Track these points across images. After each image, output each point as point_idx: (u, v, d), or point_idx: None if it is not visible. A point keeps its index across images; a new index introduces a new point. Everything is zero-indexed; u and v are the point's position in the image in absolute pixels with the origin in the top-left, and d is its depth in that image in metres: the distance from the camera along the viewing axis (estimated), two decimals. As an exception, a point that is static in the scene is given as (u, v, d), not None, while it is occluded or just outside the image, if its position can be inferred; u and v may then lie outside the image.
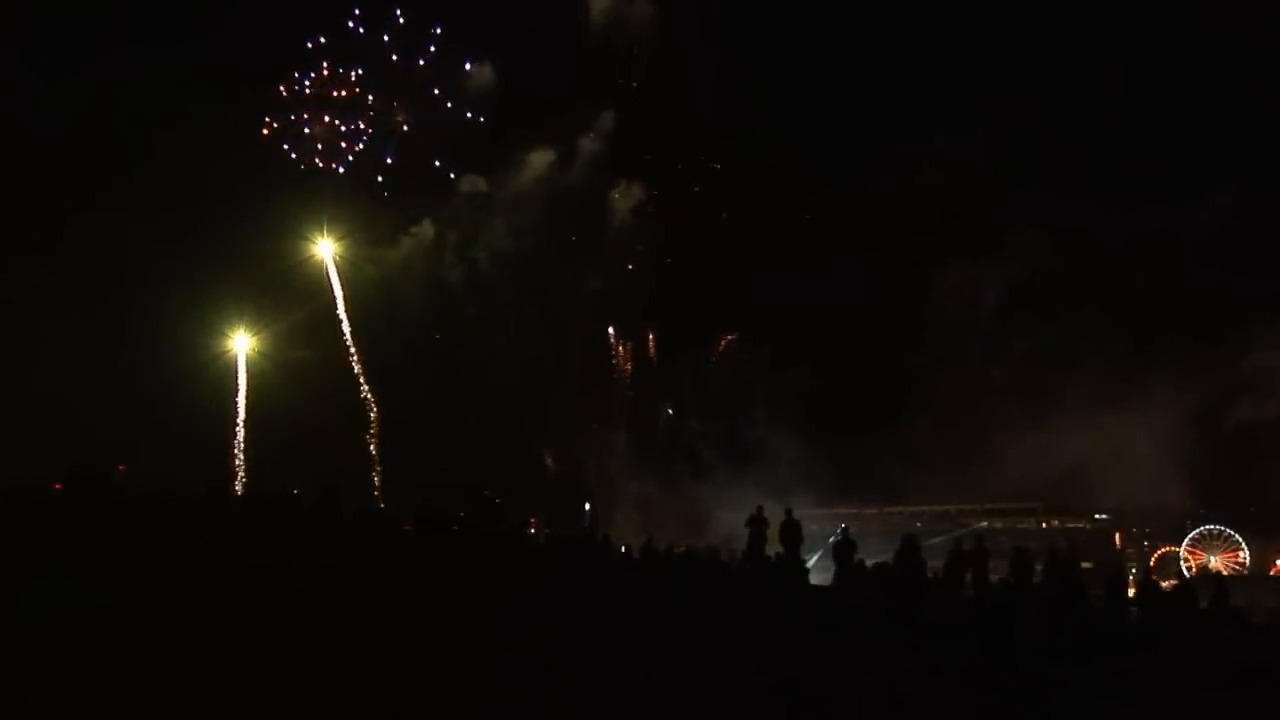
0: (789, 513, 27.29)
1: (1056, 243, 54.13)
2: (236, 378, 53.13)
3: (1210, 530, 57.56)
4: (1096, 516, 60.25)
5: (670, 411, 60.73)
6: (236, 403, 52.93)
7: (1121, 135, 55.47)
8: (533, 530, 51.99)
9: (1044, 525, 59.62)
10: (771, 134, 55.77)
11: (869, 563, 26.51)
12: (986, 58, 56.26)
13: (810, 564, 33.53)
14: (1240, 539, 57.21)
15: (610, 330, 60.26)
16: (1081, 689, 16.32)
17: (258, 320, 52.96)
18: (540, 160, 56.19)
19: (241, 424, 52.82)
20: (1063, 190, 54.97)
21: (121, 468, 41.74)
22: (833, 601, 23.75)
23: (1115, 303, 54.33)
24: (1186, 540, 57.83)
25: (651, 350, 60.78)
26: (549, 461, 58.86)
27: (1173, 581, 43.96)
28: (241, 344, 53.21)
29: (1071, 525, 59.50)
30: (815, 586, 27.84)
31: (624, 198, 58.47)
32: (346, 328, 54.22)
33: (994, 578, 25.19)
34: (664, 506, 56.17)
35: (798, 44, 55.48)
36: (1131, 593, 25.76)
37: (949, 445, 55.08)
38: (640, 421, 60.29)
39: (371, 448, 53.90)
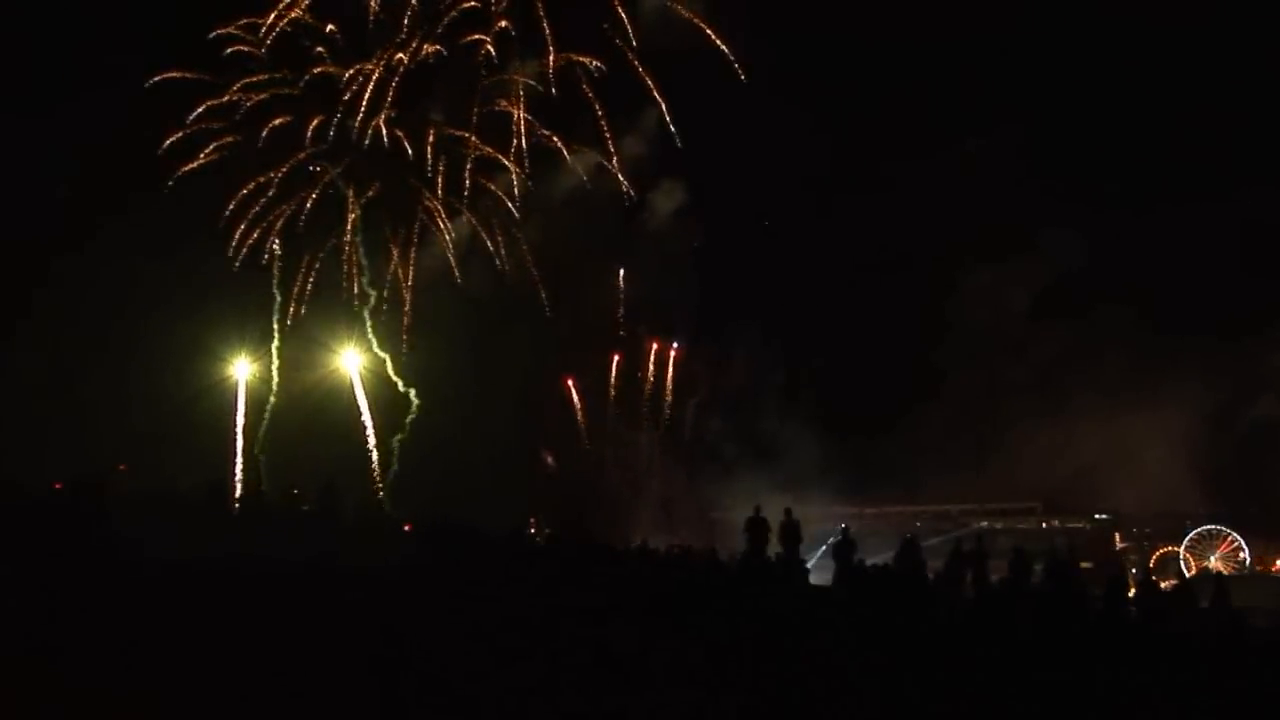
0: (788, 513, 27.23)
1: (1082, 241, 53.90)
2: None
3: (1210, 530, 57.50)
4: (1096, 516, 60.19)
5: (694, 410, 60.59)
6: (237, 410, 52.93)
7: (1148, 134, 55.42)
8: (532, 530, 51.98)
9: (1044, 525, 59.57)
10: (806, 133, 55.50)
11: (869, 562, 26.52)
12: (1016, 59, 56.21)
13: (810, 564, 33.48)
14: (1240, 539, 57.15)
15: (641, 331, 60.17)
16: (1082, 688, 16.32)
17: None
18: (582, 160, 55.97)
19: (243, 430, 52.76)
20: (1090, 190, 55.09)
21: (123, 466, 41.87)
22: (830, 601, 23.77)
23: (1136, 302, 54.23)
24: (1186, 540, 57.77)
25: (675, 350, 60.67)
26: (549, 460, 58.76)
27: (1173, 582, 43.92)
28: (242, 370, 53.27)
29: (1071, 525, 59.43)
30: (815, 586, 27.81)
31: (666, 198, 58.16)
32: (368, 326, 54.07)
33: (994, 578, 25.20)
34: (687, 505, 56.30)
35: (833, 43, 55.28)
36: (1131, 593, 25.72)
37: (963, 444, 55.07)
38: (666, 421, 60.26)
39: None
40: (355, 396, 53.56)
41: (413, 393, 53.31)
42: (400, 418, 53.40)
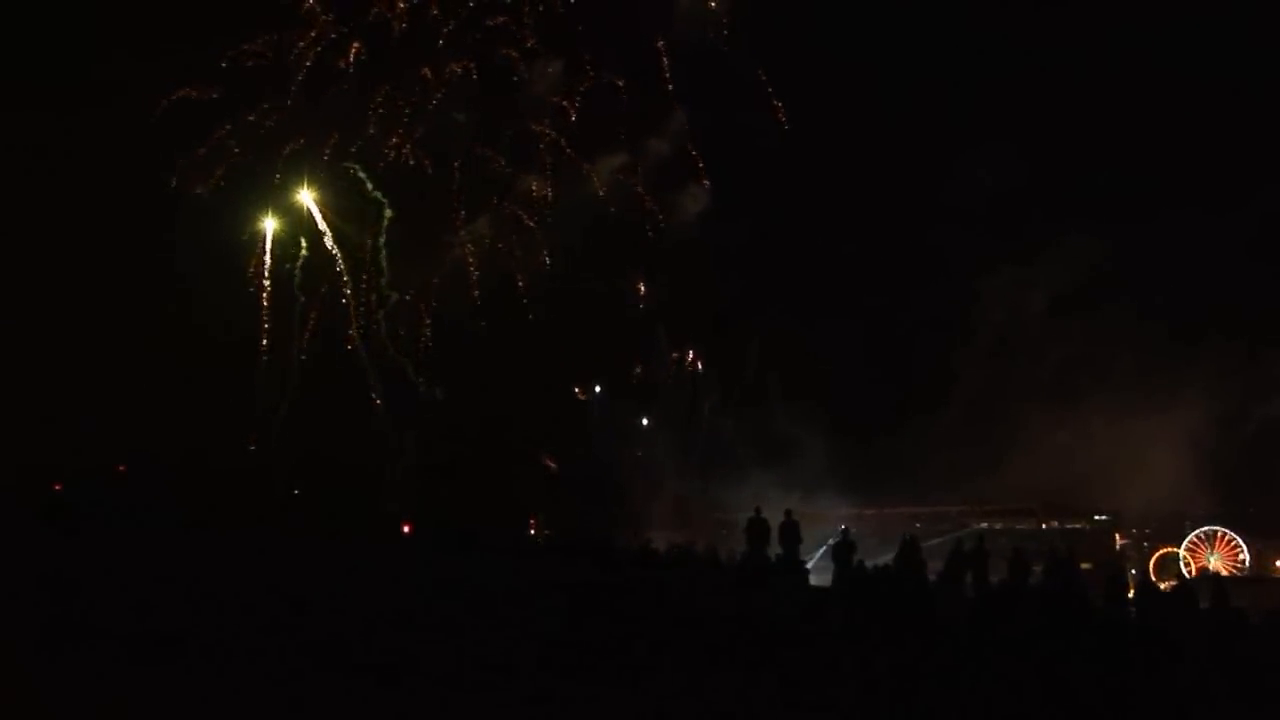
0: (788, 514, 27.28)
1: (1096, 244, 53.67)
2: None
3: (1210, 531, 57.47)
4: (1096, 517, 60.16)
5: (709, 411, 60.60)
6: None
7: (1162, 137, 55.38)
8: (532, 531, 51.99)
9: (1043, 526, 59.53)
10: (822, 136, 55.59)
11: (869, 564, 26.53)
12: (1033, 62, 56.31)
13: (810, 564, 33.50)
14: (1240, 540, 57.13)
15: (660, 332, 60.31)
16: (1081, 689, 16.32)
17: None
18: (610, 164, 56.00)
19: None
20: (1103, 192, 55.13)
21: (122, 468, 41.90)
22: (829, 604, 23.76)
23: (1147, 304, 54.14)
24: (1186, 541, 57.74)
25: (692, 351, 60.83)
26: (549, 464, 58.74)
27: (1173, 582, 43.92)
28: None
29: (1071, 526, 59.39)
30: (814, 587, 27.81)
31: (692, 201, 58.10)
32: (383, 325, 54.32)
33: (994, 578, 25.22)
34: (700, 506, 56.41)
35: (854, 48, 55.33)
36: (1131, 594, 25.71)
37: (971, 445, 54.95)
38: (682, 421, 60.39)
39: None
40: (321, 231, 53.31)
41: (438, 391, 53.57)
42: (417, 415, 53.65)
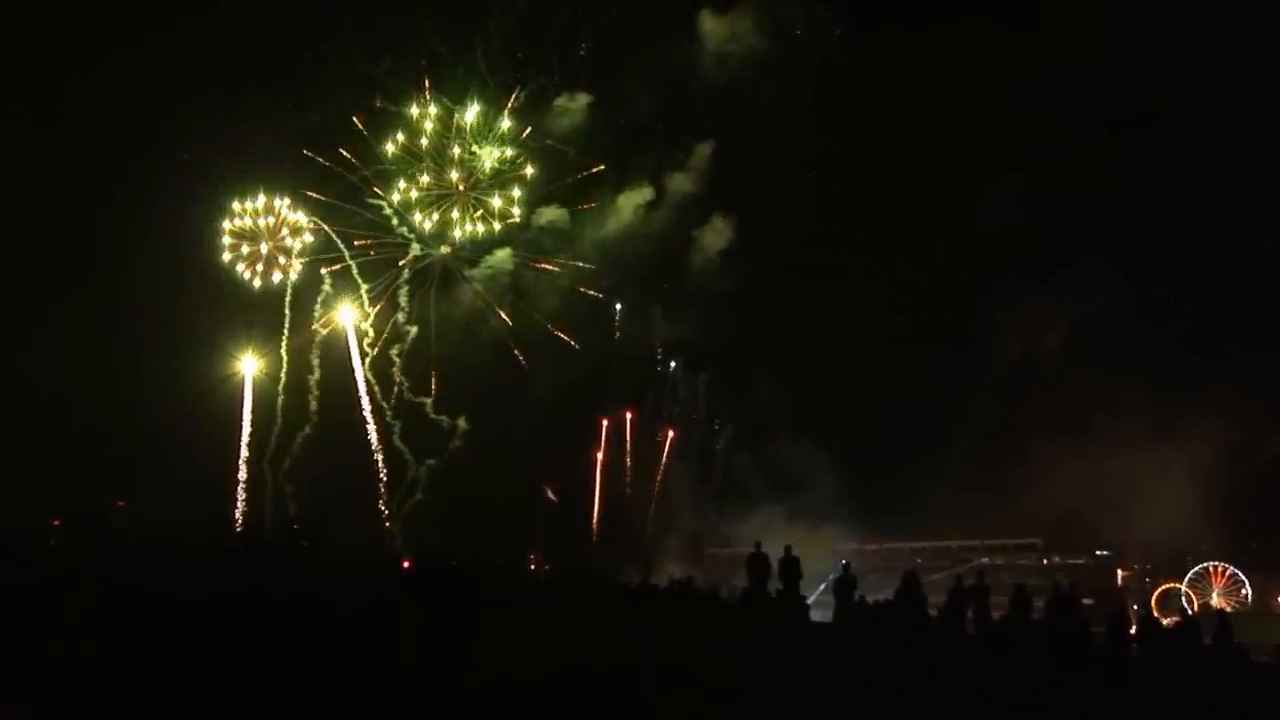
0: (788, 549, 27.22)
1: (1109, 271, 53.33)
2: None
3: (1212, 566, 57.25)
4: (1097, 553, 59.90)
5: (724, 444, 60.65)
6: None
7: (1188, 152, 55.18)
8: (532, 565, 51.80)
9: (1045, 561, 59.29)
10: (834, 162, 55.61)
11: (870, 599, 26.45)
12: (1045, 80, 56.25)
13: (811, 600, 33.36)
14: (1242, 575, 56.89)
15: (676, 365, 60.47)
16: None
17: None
18: (633, 198, 56.25)
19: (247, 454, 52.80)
20: (1120, 221, 54.97)
21: (121, 502, 41.83)
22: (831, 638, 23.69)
23: (1158, 332, 53.79)
24: (1188, 576, 57.49)
25: (708, 384, 61.03)
26: (549, 494, 58.65)
27: (1175, 618, 43.66)
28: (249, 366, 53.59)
29: (1072, 561, 59.11)
30: (815, 622, 27.69)
31: (714, 236, 58.06)
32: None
33: (995, 614, 25.14)
34: (710, 540, 56.34)
35: (872, 70, 55.34)
36: (1133, 629, 25.60)
37: (977, 479, 54.59)
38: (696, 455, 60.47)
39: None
40: (350, 358, 53.90)
41: (461, 420, 53.82)
42: (434, 446, 53.96)
